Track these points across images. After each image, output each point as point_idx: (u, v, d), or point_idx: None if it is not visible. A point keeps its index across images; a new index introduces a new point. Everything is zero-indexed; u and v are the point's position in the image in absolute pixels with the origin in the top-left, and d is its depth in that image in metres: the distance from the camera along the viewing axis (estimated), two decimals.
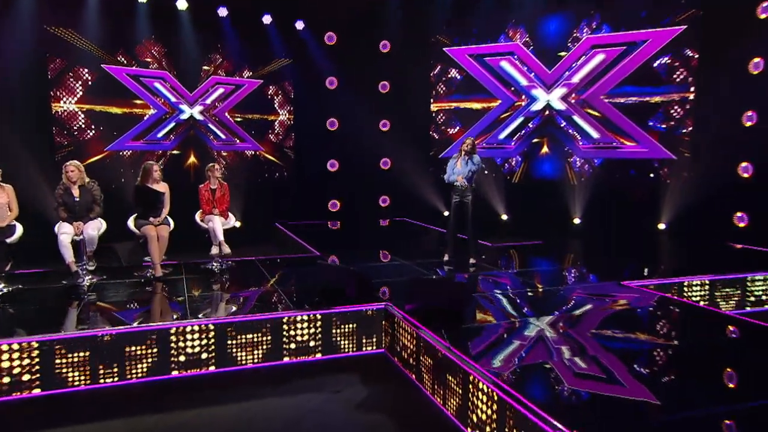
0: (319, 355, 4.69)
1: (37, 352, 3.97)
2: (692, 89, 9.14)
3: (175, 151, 10.41)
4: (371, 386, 4.24)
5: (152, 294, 5.51)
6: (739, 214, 8.66)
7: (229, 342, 4.46)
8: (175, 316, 4.74)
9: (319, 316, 4.67)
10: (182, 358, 4.33)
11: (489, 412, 3.11)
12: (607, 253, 8.34)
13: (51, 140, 9.23)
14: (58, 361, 4.02)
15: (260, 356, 4.54)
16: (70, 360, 4.05)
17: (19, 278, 5.86)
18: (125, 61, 9.71)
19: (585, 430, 2.64)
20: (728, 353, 3.88)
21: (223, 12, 10.24)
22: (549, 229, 9.44)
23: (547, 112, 10.46)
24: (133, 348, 4.21)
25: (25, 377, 3.95)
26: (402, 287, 5.41)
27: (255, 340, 4.53)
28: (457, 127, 11.21)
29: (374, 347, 4.83)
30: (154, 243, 5.93)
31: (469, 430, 3.34)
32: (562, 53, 10.12)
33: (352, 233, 10.36)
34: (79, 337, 4.10)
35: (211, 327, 4.40)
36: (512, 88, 10.67)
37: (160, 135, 10.21)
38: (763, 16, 8.27)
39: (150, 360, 4.25)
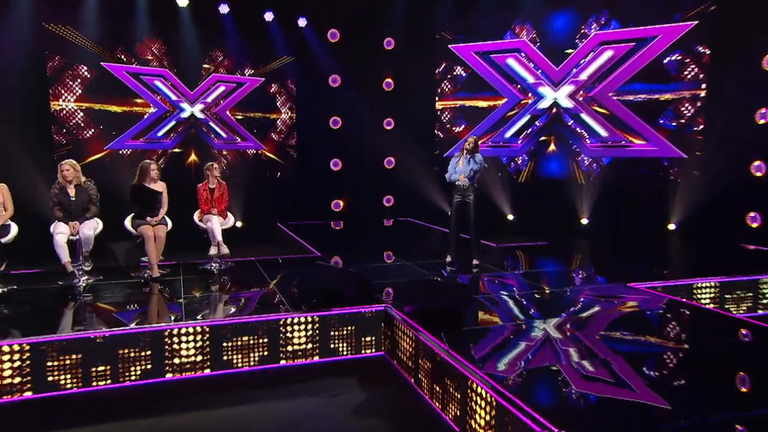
0: (316, 358, 4.65)
1: (28, 354, 3.95)
2: (703, 86, 9.04)
3: (176, 149, 10.41)
4: (369, 390, 4.20)
5: (148, 295, 5.49)
6: (752, 214, 8.56)
7: (225, 344, 4.42)
8: (172, 318, 4.72)
9: (317, 318, 4.63)
10: (177, 361, 4.30)
11: (488, 417, 3.05)
12: (615, 253, 8.26)
13: (49, 139, 9.23)
14: (50, 363, 4.00)
15: (257, 359, 4.50)
16: (63, 362, 4.02)
17: (14, 279, 5.86)
18: (125, 59, 9.71)
19: None
20: (739, 357, 3.80)
21: (224, 9, 10.23)
22: (556, 229, 9.37)
23: (554, 110, 10.39)
24: (128, 350, 4.18)
25: (17, 380, 3.93)
26: (402, 289, 5.37)
27: (252, 342, 4.49)
28: (463, 126, 11.15)
29: (373, 350, 4.78)
30: (150, 243, 5.91)
31: None
32: (569, 51, 10.04)
33: (354, 233, 10.32)
34: (72, 339, 4.07)
35: (207, 329, 4.37)
36: (518, 86, 10.60)
37: (160, 134, 10.21)
38: None
39: (145, 362, 4.22)
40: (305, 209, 11.06)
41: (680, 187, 9.22)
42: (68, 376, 4.04)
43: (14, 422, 3.75)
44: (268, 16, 10.64)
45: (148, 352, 4.23)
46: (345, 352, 4.72)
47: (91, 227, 5.86)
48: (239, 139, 10.90)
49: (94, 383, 4.10)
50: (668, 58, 9.28)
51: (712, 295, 5.71)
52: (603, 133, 9.94)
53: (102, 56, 9.49)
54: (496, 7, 10.55)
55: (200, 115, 10.50)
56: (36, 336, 4.02)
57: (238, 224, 10.20)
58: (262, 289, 5.70)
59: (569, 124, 10.29)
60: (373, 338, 4.77)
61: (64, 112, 9.38)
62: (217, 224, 6.48)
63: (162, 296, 5.45)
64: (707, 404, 3.05)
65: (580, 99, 10.09)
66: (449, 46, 11.03)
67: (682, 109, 9.25)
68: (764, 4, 8.21)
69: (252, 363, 4.49)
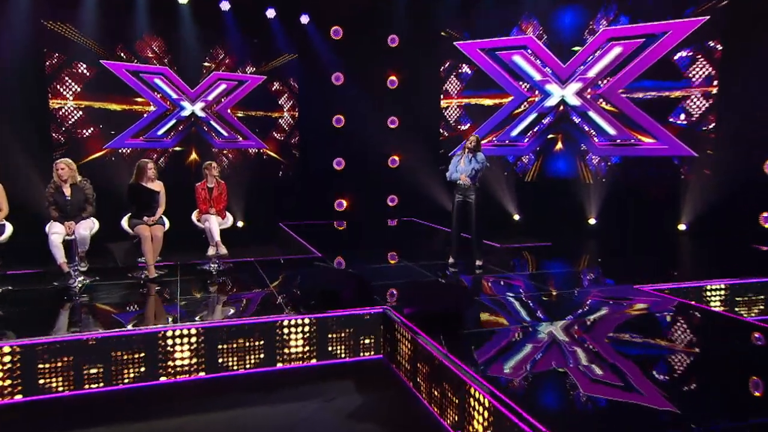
0: (314, 361, 4.61)
1: (19, 356, 3.93)
2: (715, 83, 8.93)
3: (177, 148, 10.41)
4: (367, 394, 4.15)
5: (144, 296, 5.46)
6: (764, 214, 8.45)
7: (221, 347, 4.39)
8: (167, 320, 4.69)
9: (314, 320, 4.59)
10: (171, 364, 4.27)
11: (485, 424, 3.00)
12: (623, 254, 8.17)
13: (48, 137, 9.26)
14: (42, 366, 3.97)
15: (253, 362, 4.46)
16: (54, 365, 4.00)
17: (8, 279, 5.85)
18: (125, 57, 9.72)
19: None
20: (750, 361, 3.72)
21: (225, 6, 10.22)
22: (563, 229, 9.29)
23: (561, 108, 10.30)
24: (121, 353, 4.15)
25: (7, 382, 3.91)
26: (402, 290, 5.32)
27: (248, 345, 4.45)
28: (468, 124, 11.09)
29: (372, 353, 4.73)
30: (147, 243, 5.90)
31: None
32: (576, 48, 9.96)
33: (357, 233, 10.28)
34: (64, 341, 4.05)
35: (202, 331, 4.34)
36: (525, 83, 10.52)
37: (160, 132, 10.22)
38: None
39: (138, 365, 4.19)
40: (308, 209, 11.04)
41: (691, 186, 9.11)
42: (60, 378, 4.01)
43: (3, 426, 3.72)
44: (270, 13, 10.63)
45: (142, 355, 4.20)
46: (343, 355, 4.67)
47: (87, 227, 5.85)
48: (241, 138, 10.90)
49: (87, 386, 4.07)
50: (679, 55, 9.18)
51: (723, 297, 5.62)
52: (611, 131, 9.85)
53: (101, 54, 9.51)
54: (502, 3, 10.50)
55: (201, 114, 10.50)
56: (28, 338, 4.00)
57: (239, 224, 10.22)
58: (261, 290, 5.65)
59: (577, 122, 10.20)
60: (372, 341, 4.72)
61: (63, 110, 9.40)
62: (215, 224, 6.46)
63: (158, 297, 5.42)
64: (717, 410, 2.98)
65: (588, 96, 10.00)
66: (454, 43, 10.97)
67: (693, 106, 9.14)
68: None
69: (248, 366, 4.45)
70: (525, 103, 10.59)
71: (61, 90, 9.33)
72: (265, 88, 10.93)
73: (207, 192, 6.62)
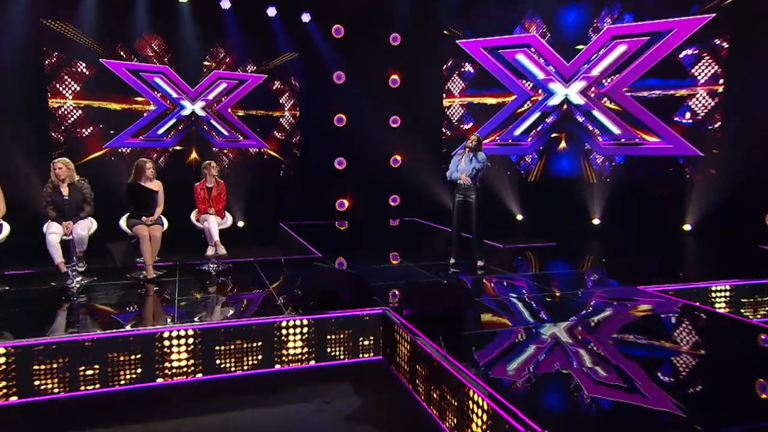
0: (312, 363, 4.59)
1: (14, 357, 3.92)
2: (721, 81, 8.88)
3: (177, 147, 10.41)
4: (366, 396, 4.13)
5: (142, 297, 5.45)
6: None
7: (218, 348, 4.37)
8: (164, 321, 4.68)
9: (313, 321, 4.57)
10: (168, 365, 4.25)
11: (484, 427, 2.97)
12: (627, 255, 8.13)
13: (47, 137, 9.26)
14: (37, 367, 3.96)
15: (250, 363, 4.44)
16: (49, 366, 3.98)
17: (6, 279, 5.85)
18: (124, 56, 9.72)
19: None
20: (755, 364, 3.68)
21: (225, 4, 10.21)
22: (566, 229, 9.25)
23: (565, 107, 10.26)
24: (117, 354, 4.14)
25: (2, 383, 3.90)
26: (401, 291, 5.29)
27: (245, 346, 4.43)
28: (471, 123, 11.05)
29: (371, 354, 4.71)
30: (146, 243, 5.89)
31: None
32: (580, 46, 9.92)
33: (359, 233, 10.26)
34: (60, 342, 4.04)
35: (199, 332, 4.32)
36: (528, 82, 10.49)
37: (160, 132, 10.22)
38: None
39: (135, 366, 4.17)
40: (309, 209, 11.02)
41: (696, 186, 9.06)
42: (55, 380, 4.00)
43: None
44: (271, 12, 10.61)
45: (139, 356, 4.18)
46: (342, 357, 4.65)
47: (85, 227, 5.84)
48: (241, 138, 10.89)
49: (83, 387, 4.06)
50: (684, 53, 9.13)
51: (728, 299, 5.57)
52: (616, 130, 9.80)
53: (101, 53, 9.51)
54: (505, 1, 10.47)
55: (201, 113, 10.50)
56: (25, 339, 3.99)
57: (240, 224, 10.22)
58: (260, 291, 5.64)
59: (581, 121, 10.16)
60: (371, 342, 4.70)
61: (63, 109, 9.40)
62: (214, 224, 6.45)
63: (157, 298, 5.41)
64: (723, 412, 2.95)
65: (592, 95, 9.96)
66: (457, 41, 10.94)
67: (699, 105, 9.09)
68: None
69: (245, 367, 4.43)
70: (528, 102, 10.55)
71: (61, 89, 9.34)
72: (266, 87, 10.92)
73: (206, 192, 6.61)
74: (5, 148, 8.40)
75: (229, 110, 10.73)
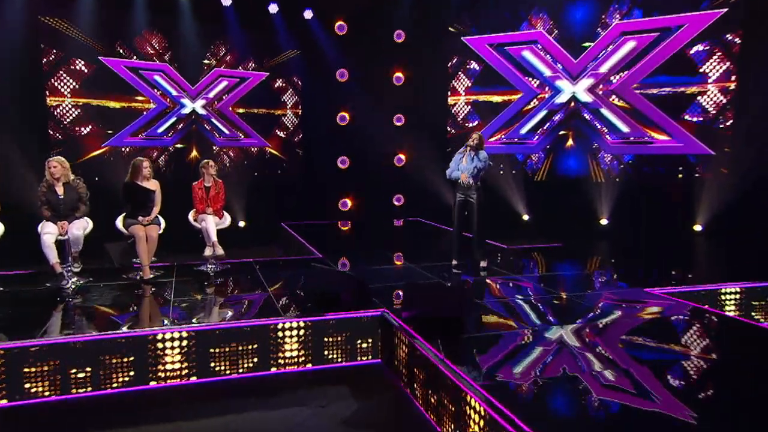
0: (309, 366, 4.56)
1: (3, 360, 3.91)
2: (733, 78, 8.78)
3: (178, 145, 10.41)
4: (363, 400, 4.10)
5: (137, 298, 5.44)
6: None
7: (213, 351, 4.35)
8: (159, 322, 4.66)
9: (310, 324, 4.54)
10: (162, 368, 4.23)
11: None
12: (635, 256, 8.05)
13: (46, 135, 9.28)
14: (27, 369, 3.94)
15: (246, 366, 4.42)
16: (41, 368, 3.97)
17: (0, 280, 5.85)
18: (123, 53, 9.73)
19: None
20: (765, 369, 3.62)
21: (226, 1, 10.20)
22: (573, 230, 9.18)
23: (572, 105, 10.19)
24: (110, 356, 4.12)
25: None
26: (401, 292, 5.25)
27: (241, 348, 4.41)
28: (476, 121, 11.00)
29: (369, 357, 4.67)
30: (142, 243, 5.88)
31: None
32: (587, 44, 9.84)
33: (362, 234, 10.23)
34: (52, 344, 4.03)
35: (194, 334, 4.30)
36: (535, 80, 10.42)
37: (160, 130, 10.23)
38: None
39: (128, 369, 4.15)
40: (311, 208, 11.00)
41: (707, 185, 8.96)
42: (46, 383, 3.98)
43: None
44: (273, 8, 10.60)
45: (132, 359, 4.16)
46: (339, 360, 4.61)
47: (81, 227, 5.83)
48: (242, 136, 10.88)
49: (74, 391, 4.05)
50: (695, 49, 9.03)
51: (739, 302, 5.49)
52: (624, 128, 9.72)
53: (100, 50, 9.52)
54: None
55: (202, 111, 10.50)
56: (18, 341, 3.98)
57: (241, 224, 10.22)
58: (257, 292, 5.62)
59: (588, 119, 10.08)
60: (370, 345, 4.66)
61: (61, 108, 9.42)
62: (212, 224, 6.43)
63: (153, 299, 5.40)
64: (733, 419, 2.89)
65: (600, 93, 9.88)
66: (462, 38, 10.89)
67: (710, 102, 8.99)
68: None
69: (241, 370, 4.41)
70: (535, 99, 10.48)
71: (59, 87, 9.36)
72: (267, 85, 10.91)
73: (204, 191, 6.60)
74: (2, 148, 8.41)
75: (230, 108, 10.72)
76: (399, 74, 11.54)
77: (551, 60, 10.21)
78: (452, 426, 3.30)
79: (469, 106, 11.06)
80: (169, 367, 4.25)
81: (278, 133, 11.19)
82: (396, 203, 11.88)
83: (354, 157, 11.43)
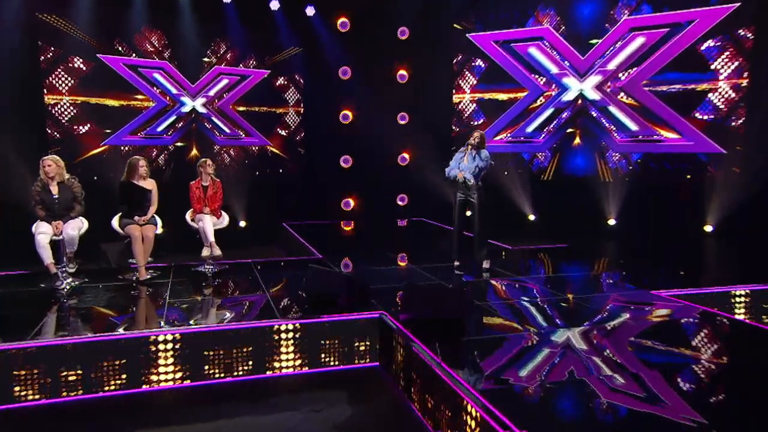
0: (305, 369, 4.52)
1: None
2: (746, 75, 8.68)
3: (178, 144, 10.41)
4: (359, 404, 4.06)
5: (134, 299, 5.42)
6: None
7: (207, 353, 4.31)
8: (154, 324, 4.63)
9: (306, 326, 4.50)
10: (154, 371, 4.20)
11: None
12: (643, 257, 7.98)
13: (43, 134, 9.29)
14: (17, 372, 3.92)
15: (240, 369, 4.39)
16: (30, 371, 3.95)
17: None
18: (122, 51, 9.74)
19: None
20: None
21: None
22: (580, 230, 9.11)
23: (579, 103, 10.11)
24: (102, 359, 4.09)
25: None
26: (399, 294, 5.22)
27: (235, 351, 4.38)
28: (481, 120, 10.94)
29: (367, 360, 4.63)
30: (138, 244, 5.87)
31: None
32: (594, 41, 9.77)
33: (364, 234, 10.20)
34: (43, 346, 4.01)
35: (188, 337, 4.27)
36: (541, 77, 10.35)
37: (160, 129, 10.23)
38: None
39: (120, 372, 4.13)
40: (313, 208, 10.98)
41: (718, 185, 8.86)
42: (36, 386, 3.96)
43: None
44: (274, 5, 10.58)
45: (124, 361, 4.14)
46: (336, 363, 4.57)
47: (76, 227, 5.82)
48: (243, 135, 10.87)
49: (65, 394, 4.02)
50: (706, 45, 8.93)
51: (749, 305, 5.41)
52: (633, 126, 9.63)
53: (98, 48, 9.53)
54: None
55: (202, 110, 10.49)
56: (10, 342, 3.96)
57: (242, 224, 10.20)
58: (254, 293, 5.59)
59: (596, 117, 10.00)
60: (367, 348, 4.62)
61: (59, 106, 9.43)
62: (209, 224, 6.41)
63: (148, 300, 5.38)
64: (742, 424, 2.83)
65: (608, 90, 9.80)
66: (467, 35, 10.83)
67: (722, 100, 8.90)
68: None
69: (235, 373, 4.37)
70: (541, 97, 10.41)
71: (57, 85, 9.37)
72: (268, 82, 10.89)
73: (201, 191, 6.58)
74: (0, 146, 8.43)
75: (231, 107, 10.71)
76: (403, 72, 11.50)
77: (558, 57, 10.14)
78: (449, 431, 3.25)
79: (475, 104, 11.01)
80: (162, 370, 4.22)
81: (279, 131, 11.17)
82: (400, 203, 11.83)
83: (357, 156, 11.39)
